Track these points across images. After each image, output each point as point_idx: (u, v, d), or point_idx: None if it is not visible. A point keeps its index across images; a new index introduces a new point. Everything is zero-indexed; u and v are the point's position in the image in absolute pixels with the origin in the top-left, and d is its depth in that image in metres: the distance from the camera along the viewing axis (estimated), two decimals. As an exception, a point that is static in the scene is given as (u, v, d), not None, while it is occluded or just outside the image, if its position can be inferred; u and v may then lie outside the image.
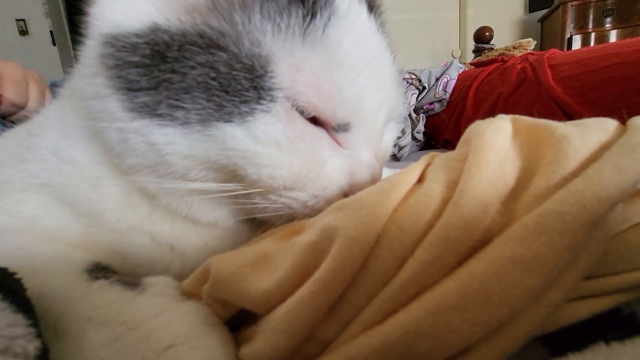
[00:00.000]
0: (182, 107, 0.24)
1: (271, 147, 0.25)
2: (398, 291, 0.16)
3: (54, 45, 2.96)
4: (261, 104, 0.24)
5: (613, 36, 2.17)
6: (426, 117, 1.26)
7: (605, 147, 0.17)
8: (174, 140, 0.24)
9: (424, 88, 1.24)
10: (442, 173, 0.19)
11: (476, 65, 1.28)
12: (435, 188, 0.18)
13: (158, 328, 0.20)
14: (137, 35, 0.24)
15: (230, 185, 0.26)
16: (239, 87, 0.24)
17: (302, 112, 0.26)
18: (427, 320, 0.15)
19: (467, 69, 1.29)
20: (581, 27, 2.24)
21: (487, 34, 1.66)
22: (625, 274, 0.18)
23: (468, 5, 2.61)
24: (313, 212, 0.26)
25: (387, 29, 0.32)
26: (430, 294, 0.16)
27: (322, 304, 0.17)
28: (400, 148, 1.20)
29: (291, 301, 0.18)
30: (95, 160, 0.29)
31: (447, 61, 1.27)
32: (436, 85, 1.22)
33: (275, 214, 0.27)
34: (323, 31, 0.25)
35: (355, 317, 0.17)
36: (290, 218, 0.27)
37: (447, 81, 1.21)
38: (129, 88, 0.24)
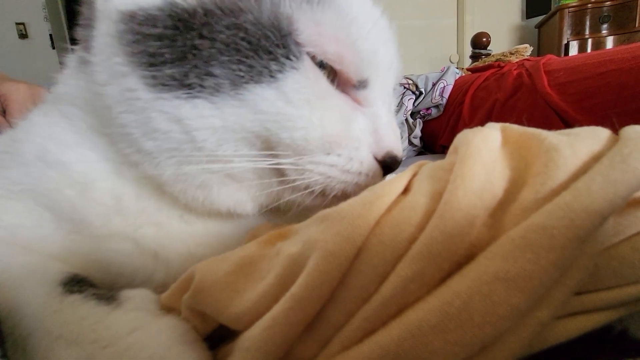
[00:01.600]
0: (212, 74, 0.24)
1: (302, 107, 0.25)
2: (378, 309, 0.16)
3: (54, 48, 2.96)
4: (291, 60, 0.25)
5: (609, 42, 2.18)
6: (423, 123, 1.26)
7: (596, 158, 0.16)
8: (203, 112, 0.24)
9: (421, 93, 1.24)
10: (428, 183, 0.19)
11: (473, 70, 1.28)
12: (419, 199, 0.18)
13: (132, 346, 0.19)
14: (157, 8, 0.24)
15: (263, 160, 0.26)
16: (268, 44, 0.24)
17: (324, 70, 0.27)
18: (407, 341, 0.15)
19: (463, 74, 1.29)
20: (578, 33, 2.25)
21: (484, 39, 1.67)
22: (617, 289, 0.17)
23: (466, 11, 2.63)
24: (349, 177, 0.27)
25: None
26: (411, 313, 0.15)
27: (298, 321, 0.16)
28: (397, 153, 1.19)
29: (267, 318, 0.17)
30: (87, 162, 0.28)
31: (444, 66, 1.27)
32: (433, 91, 1.22)
33: (306, 191, 0.27)
34: None
35: (334, 336, 0.17)
36: (323, 195, 0.27)
37: (444, 86, 1.21)
38: (152, 63, 0.24)
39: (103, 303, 0.22)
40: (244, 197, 0.28)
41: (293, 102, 0.25)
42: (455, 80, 1.22)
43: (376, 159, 0.28)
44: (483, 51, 1.67)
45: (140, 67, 0.24)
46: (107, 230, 0.28)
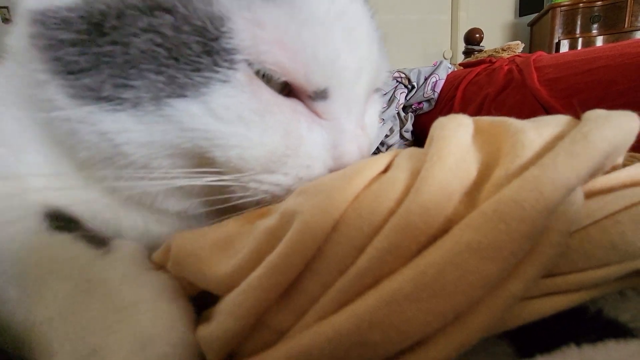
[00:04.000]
0: (130, 85, 0.21)
1: (236, 124, 0.22)
2: (354, 280, 0.16)
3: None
4: (217, 72, 0.21)
5: (600, 42, 2.22)
6: (415, 117, 1.27)
7: (559, 138, 0.17)
8: (127, 127, 0.21)
9: (413, 87, 1.24)
10: (407, 162, 0.19)
11: (465, 66, 1.29)
12: (398, 175, 0.18)
13: (123, 288, 0.20)
14: (69, 8, 0.21)
15: (202, 176, 0.23)
16: (190, 52, 0.21)
17: (269, 81, 0.23)
18: (381, 309, 0.15)
19: (456, 69, 1.29)
20: (569, 33, 2.27)
21: (477, 35, 1.67)
22: (590, 271, 0.17)
23: (460, 7, 2.63)
24: None
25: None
26: (386, 283, 0.15)
27: (270, 287, 0.16)
28: (389, 147, 1.20)
29: (242, 284, 0.17)
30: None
31: (436, 60, 1.27)
32: (425, 85, 1.22)
33: (255, 204, 0.25)
34: None
35: (311, 307, 0.17)
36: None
37: (436, 81, 1.22)
38: (68, 71, 0.21)
39: (94, 246, 0.22)
40: (193, 204, 0.26)
41: (224, 118, 0.21)
42: (447, 75, 1.23)
43: None
44: (476, 47, 1.67)
45: (58, 75, 0.22)
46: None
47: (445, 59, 2.51)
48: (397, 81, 1.25)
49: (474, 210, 0.17)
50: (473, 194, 0.17)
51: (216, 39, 0.21)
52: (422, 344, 0.16)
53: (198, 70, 0.21)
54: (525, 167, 0.16)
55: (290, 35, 0.22)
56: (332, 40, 0.23)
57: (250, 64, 0.22)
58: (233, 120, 0.22)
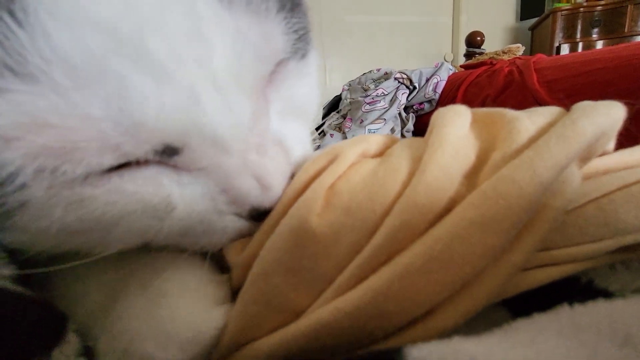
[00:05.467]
0: None
1: (61, 238, 0.17)
2: (369, 257, 0.17)
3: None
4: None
5: (600, 46, 2.23)
6: (416, 117, 1.28)
7: (551, 125, 0.19)
8: None
9: (415, 88, 1.25)
10: (407, 150, 0.21)
11: (466, 67, 1.31)
12: (401, 162, 0.19)
13: None
14: None
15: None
16: None
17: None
18: (395, 283, 0.16)
19: (457, 71, 1.31)
20: (569, 37, 2.29)
21: (479, 38, 1.69)
22: (584, 245, 0.19)
23: (461, 10, 2.65)
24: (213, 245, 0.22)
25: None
26: (399, 259, 0.17)
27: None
28: (390, 147, 1.21)
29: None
30: None
31: (437, 62, 1.29)
32: (426, 86, 1.24)
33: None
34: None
35: (328, 287, 0.18)
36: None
37: (437, 82, 1.23)
38: None
39: None
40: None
41: (41, 233, 0.17)
42: (449, 76, 1.24)
43: (242, 216, 0.21)
44: (477, 50, 1.69)
45: None
46: None
47: (446, 61, 2.53)
48: (399, 82, 1.26)
49: (474, 190, 0.18)
50: (472, 177, 0.19)
51: None
52: (432, 312, 0.17)
53: None
54: (520, 151, 0.17)
55: (51, 111, 0.14)
56: (127, 83, 0.15)
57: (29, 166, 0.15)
58: (53, 234, 0.17)
